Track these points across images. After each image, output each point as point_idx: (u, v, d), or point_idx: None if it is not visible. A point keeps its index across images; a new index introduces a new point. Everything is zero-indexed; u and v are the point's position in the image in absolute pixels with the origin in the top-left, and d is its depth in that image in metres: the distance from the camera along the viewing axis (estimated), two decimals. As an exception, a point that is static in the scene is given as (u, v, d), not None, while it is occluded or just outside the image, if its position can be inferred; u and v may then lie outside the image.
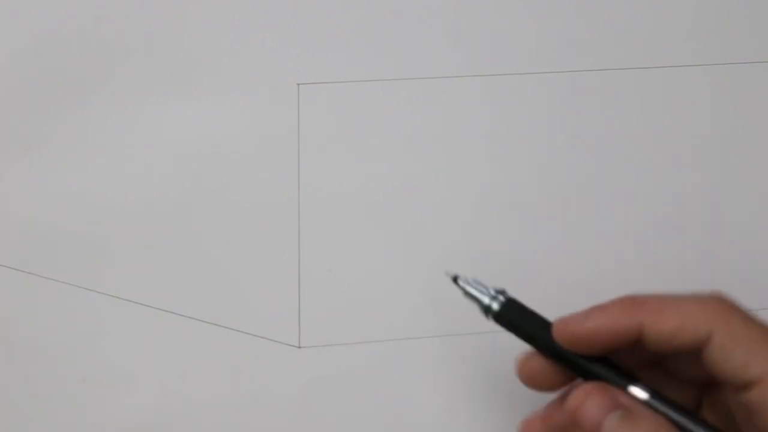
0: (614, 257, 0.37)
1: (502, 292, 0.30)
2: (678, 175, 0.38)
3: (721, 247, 0.37)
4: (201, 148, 0.36)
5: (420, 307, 0.36)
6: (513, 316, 0.30)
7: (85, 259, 0.35)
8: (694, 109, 0.38)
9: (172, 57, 0.36)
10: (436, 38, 0.37)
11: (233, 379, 0.35)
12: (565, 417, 0.28)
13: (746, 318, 0.27)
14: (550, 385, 0.30)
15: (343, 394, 0.35)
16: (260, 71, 0.36)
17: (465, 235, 0.36)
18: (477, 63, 0.37)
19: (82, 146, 0.35)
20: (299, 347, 0.35)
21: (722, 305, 0.27)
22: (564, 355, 0.29)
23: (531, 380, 0.30)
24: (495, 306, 0.30)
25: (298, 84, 0.36)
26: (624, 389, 0.28)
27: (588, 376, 0.29)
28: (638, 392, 0.28)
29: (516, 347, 0.36)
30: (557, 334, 0.29)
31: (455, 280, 0.31)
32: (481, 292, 0.30)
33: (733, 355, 0.27)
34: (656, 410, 0.27)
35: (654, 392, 0.28)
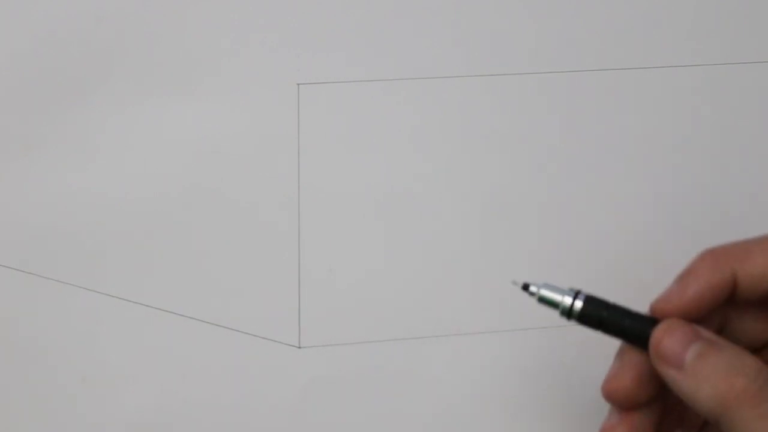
0: (614, 256, 0.37)
1: (579, 292, 0.29)
2: (678, 174, 0.38)
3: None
4: (201, 148, 0.36)
5: (420, 308, 0.36)
6: (599, 312, 0.29)
7: (85, 259, 0.35)
8: (694, 109, 0.38)
9: (172, 57, 0.36)
10: (436, 38, 0.37)
11: (233, 379, 0.35)
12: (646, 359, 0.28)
13: None
14: (637, 399, 0.29)
15: (343, 394, 0.35)
16: (260, 71, 0.36)
17: (465, 234, 0.36)
18: (477, 63, 0.37)
19: (82, 146, 0.35)
20: (299, 347, 0.35)
21: None
22: None
23: (617, 398, 0.29)
24: (578, 306, 0.29)
25: (298, 84, 0.36)
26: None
27: None
28: None
29: (518, 346, 0.36)
30: (660, 314, 0.28)
31: (525, 287, 0.30)
32: (558, 294, 0.29)
33: None
34: None
35: None
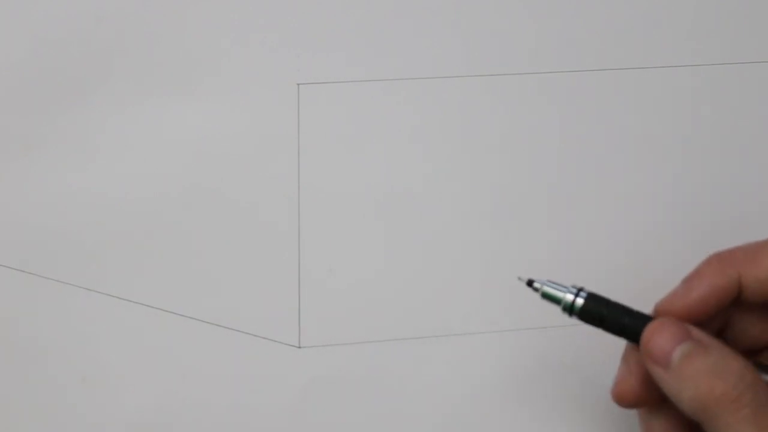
0: (614, 256, 0.37)
1: (581, 289, 0.30)
2: (678, 174, 0.38)
3: (723, 245, 0.37)
4: (201, 148, 0.36)
5: (420, 307, 0.36)
6: (600, 310, 0.29)
7: (85, 259, 0.35)
8: (694, 109, 0.38)
9: (172, 57, 0.36)
10: (436, 38, 0.37)
11: (233, 379, 0.35)
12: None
13: None
14: (647, 399, 0.29)
15: (343, 394, 0.35)
16: (260, 71, 0.36)
17: (465, 234, 0.36)
18: (477, 63, 0.37)
19: (82, 146, 0.35)
20: (299, 347, 0.35)
21: None
22: None
23: (627, 401, 0.30)
24: (579, 302, 0.29)
25: (298, 84, 0.36)
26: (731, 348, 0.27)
27: None
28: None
29: (518, 346, 0.36)
30: (664, 316, 0.28)
31: (530, 284, 0.30)
32: (561, 291, 0.30)
33: None
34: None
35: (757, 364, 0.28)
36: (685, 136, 0.38)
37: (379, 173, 0.36)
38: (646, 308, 0.30)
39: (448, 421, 0.35)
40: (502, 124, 0.37)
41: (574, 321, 0.30)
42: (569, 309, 0.30)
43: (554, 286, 0.30)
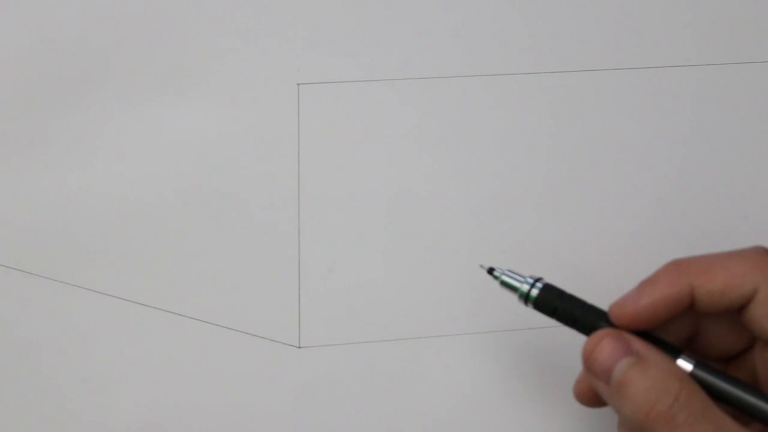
0: (615, 255, 0.37)
1: (539, 279, 0.31)
2: (677, 174, 0.38)
3: (723, 246, 0.37)
4: (201, 148, 0.36)
5: (420, 307, 0.36)
6: (553, 301, 0.30)
7: (85, 259, 0.35)
8: (694, 109, 0.38)
9: (171, 57, 0.36)
10: (436, 38, 0.37)
11: (233, 379, 0.35)
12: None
13: None
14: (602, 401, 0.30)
15: (343, 394, 0.35)
16: (260, 71, 0.36)
17: (465, 234, 0.36)
18: (477, 63, 0.37)
19: (82, 146, 0.35)
20: (299, 347, 0.35)
21: (766, 258, 0.27)
22: None
23: (593, 402, 0.30)
24: (534, 292, 0.30)
25: (298, 84, 0.36)
26: (673, 362, 0.28)
27: None
28: (684, 364, 0.28)
29: (518, 345, 0.36)
30: (614, 317, 0.29)
31: (490, 271, 0.31)
32: (518, 280, 0.31)
33: None
34: (702, 380, 0.27)
35: (699, 362, 0.28)
36: (684, 136, 0.38)
37: (379, 173, 0.36)
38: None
39: (447, 420, 0.35)
40: (502, 124, 0.37)
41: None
42: (525, 298, 0.30)
43: (513, 275, 0.31)
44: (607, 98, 0.38)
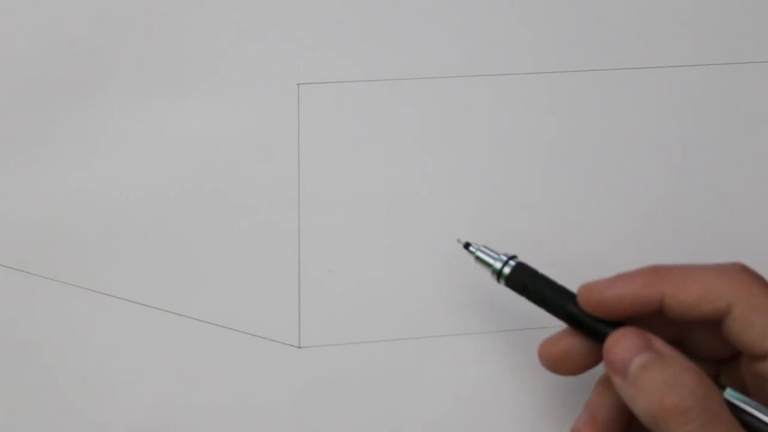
0: (615, 254, 0.37)
1: (513, 257, 0.31)
2: (677, 174, 0.38)
3: (722, 246, 0.37)
4: (201, 148, 0.36)
5: (420, 307, 0.36)
6: (524, 279, 0.31)
7: (85, 259, 0.35)
8: (694, 109, 0.38)
9: (172, 57, 0.36)
10: (437, 38, 0.37)
11: (233, 379, 0.35)
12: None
13: (767, 288, 0.27)
14: (572, 367, 0.30)
15: (343, 394, 0.35)
16: (260, 71, 0.36)
17: (465, 234, 0.36)
18: (477, 63, 0.37)
19: (82, 146, 0.35)
20: (299, 347, 0.35)
21: (744, 276, 0.28)
22: (576, 318, 0.29)
23: (553, 363, 0.30)
24: (506, 270, 0.31)
25: (298, 84, 0.36)
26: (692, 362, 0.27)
27: (600, 336, 0.29)
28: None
29: (518, 346, 0.36)
30: (581, 299, 0.29)
31: (467, 246, 0.32)
32: (492, 257, 0.31)
33: (752, 326, 0.27)
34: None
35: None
36: (684, 136, 0.38)
37: (379, 173, 0.36)
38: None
39: (447, 420, 0.35)
40: (502, 124, 0.37)
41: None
42: (497, 275, 0.31)
43: (487, 251, 0.31)
44: (607, 98, 0.38)
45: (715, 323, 0.28)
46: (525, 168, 0.37)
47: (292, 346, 0.35)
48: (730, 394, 0.27)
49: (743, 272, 0.28)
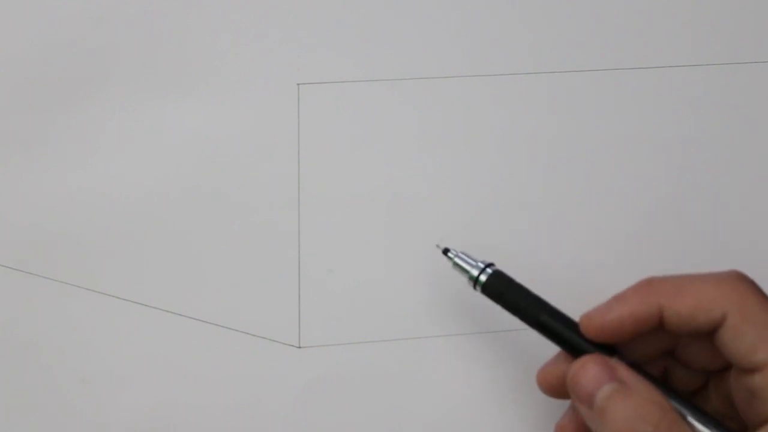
0: (614, 255, 0.37)
1: (490, 265, 0.31)
2: (677, 174, 0.38)
3: (722, 246, 0.37)
4: (201, 148, 0.36)
5: (420, 308, 0.36)
6: (500, 287, 0.31)
7: (85, 259, 0.35)
8: (694, 109, 0.38)
9: (172, 57, 0.36)
10: (437, 38, 0.37)
11: (233, 379, 0.35)
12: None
13: (763, 300, 0.27)
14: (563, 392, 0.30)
15: (343, 394, 0.35)
16: (260, 71, 0.36)
17: (465, 234, 0.36)
18: (477, 63, 0.37)
19: (82, 146, 0.35)
20: (299, 347, 0.35)
21: (739, 285, 0.27)
22: (549, 328, 0.30)
23: (552, 389, 0.30)
24: (483, 278, 0.31)
25: (298, 84, 0.36)
26: (656, 390, 0.28)
27: (572, 348, 0.29)
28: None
29: (518, 346, 0.36)
30: (583, 329, 0.29)
31: (445, 252, 0.32)
32: (469, 264, 0.32)
33: (743, 338, 0.27)
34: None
35: (631, 364, 0.28)
36: (684, 136, 0.38)
37: (379, 173, 0.36)
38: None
39: (447, 420, 0.35)
40: (502, 124, 0.37)
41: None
42: (474, 282, 0.31)
43: (466, 258, 0.32)
44: (607, 98, 0.38)
45: (709, 333, 0.27)
46: (525, 168, 0.37)
47: (292, 346, 0.35)
48: (692, 419, 0.27)
49: (739, 281, 0.28)
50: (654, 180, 0.37)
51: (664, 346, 0.30)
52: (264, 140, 0.36)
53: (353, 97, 0.36)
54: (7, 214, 0.35)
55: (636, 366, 0.28)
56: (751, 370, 0.27)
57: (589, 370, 0.28)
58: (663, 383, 0.28)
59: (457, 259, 0.32)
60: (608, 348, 0.29)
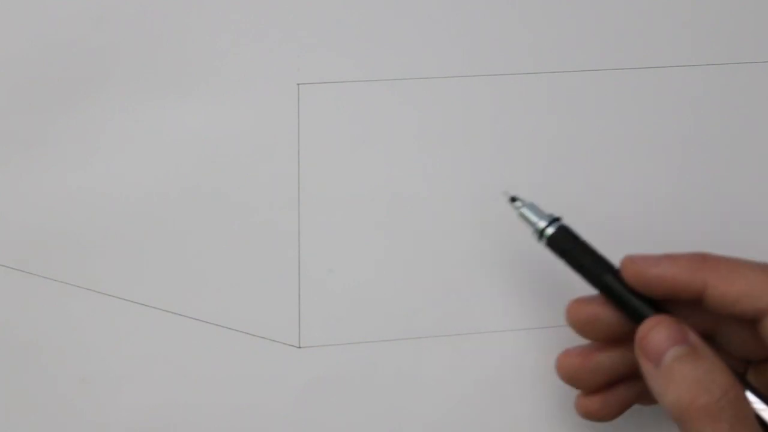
0: (614, 255, 0.37)
1: (557, 219, 0.30)
2: (677, 174, 0.38)
3: (721, 246, 0.37)
4: (201, 149, 0.36)
5: (420, 307, 0.36)
6: (566, 242, 0.30)
7: (85, 259, 0.35)
8: (694, 109, 0.38)
9: (171, 57, 0.36)
10: (437, 38, 0.37)
11: (233, 379, 0.35)
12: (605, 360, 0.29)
13: None
14: (597, 332, 0.30)
15: (343, 394, 0.35)
16: (260, 71, 0.36)
17: (465, 234, 0.36)
18: (478, 63, 0.37)
19: (82, 146, 0.35)
20: (299, 347, 0.35)
21: None
22: (614, 290, 0.29)
23: (579, 325, 0.30)
24: (550, 230, 0.30)
25: (298, 84, 0.36)
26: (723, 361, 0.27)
27: (634, 313, 0.29)
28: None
29: (518, 346, 0.36)
30: (624, 269, 0.29)
31: (513, 200, 0.31)
32: (537, 215, 0.31)
33: None
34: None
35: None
36: (684, 136, 0.38)
37: (379, 173, 0.36)
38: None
39: (447, 420, 0.35)
40: (502, 124, 0.37)
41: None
42: (539, 234, 0.30)
43: (534, 209, 0.31)
44: (607, 98, 0.38)
45: (752, 322, 0.27)
46: (525, 168, 0.37)
47: (292, 346, 0.35)
48: (749, 394, 0.27)
49: None
50: (654, 180, 0.37)
51: (704, 328, 0.29)
52: (264, 140, 0.36)
53: (353, 97, 0.36)
54: (7, 214, 0.35)
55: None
56: None
57: (662, 329, 0.27)
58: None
59: (524, 209, 0.31)
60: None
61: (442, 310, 0.36)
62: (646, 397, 0.30)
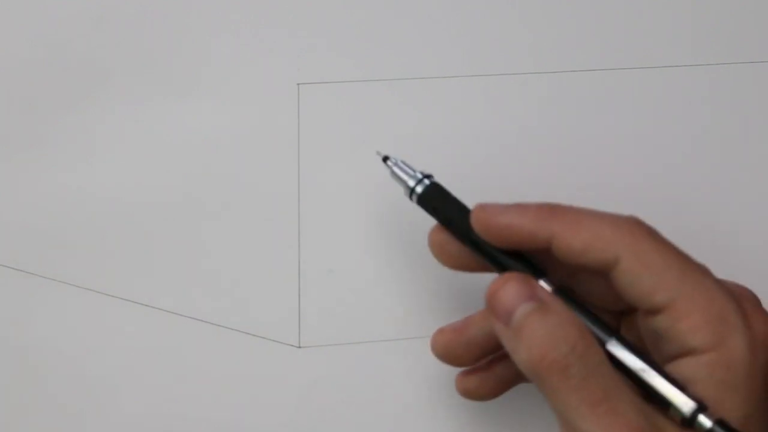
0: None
1: (428, 176, 0.30)
2: (677, 174, 0.38)
3: (722, 246, 0.37)
4: (200, 149, 0.36)
5: (420, 307, 0.36)
6: (435, 200, 0.30)
7: (84, 259, 0.35)
8: (694, 109, 0.38)
9: (171, 57, 0.36)
10: (436, 38, 0.37)
11: (233, 379, 0.35)
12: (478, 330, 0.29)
13: (658, 243, 0.27)
14: (457, 263, 0.30)
15: (343, 394, 0.35)
16: (260, 71, 0.36)
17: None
18: (477, 63, 0.37)
19: (82, 146, 0.35)
20: (299, 347, 0.35)
21: (636, 228, 0.27)
22: (479, 244, 0.29)
23: (441, 253, 0.30)
24: (419, 189, 0.30)
25: (298, 84, 0.36)
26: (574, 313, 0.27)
27: (498, 265, 0.29)
28: (544, 285, 0.28)
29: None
30: (474, 218, 0.28)
31: (385, 159, 0.31)
32: (407, 174, 0.30)
33: (639, 280, 0.26)
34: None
35: (559, 288, 0.28)
36: (684, 136, 0.38)
37: (379, 173, 0.36)
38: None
39: (447, 420, 0.35)
40: (502, 124, 0.37)
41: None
42: (410, 192, 0.30)
43: (405, 168, 0.31)
44: (607, 98, 0.38)
45: (601, 273, 0.27)
46: (525, 168, 0.37)
47: (292, 346, 0.35)
48: (612, 344, 0.27)
49: (636, 225, 0.27)
50: (654, 180, 0.37)
51: (561, 277, 0.29)
52: (264, 140, 0.36)
53: (353, 97, 0.36)
54: (6, 214, 0.35)
55: (565, 290, 0.28)
56: (652, 312, 0.26)
57: (510, 287, 0.27)
58: (589, 311, 0.27)
59: (395, 168, 0.31)
60: (539, 270, 0.28)
61: (442, 310, 0.36)
62: None
